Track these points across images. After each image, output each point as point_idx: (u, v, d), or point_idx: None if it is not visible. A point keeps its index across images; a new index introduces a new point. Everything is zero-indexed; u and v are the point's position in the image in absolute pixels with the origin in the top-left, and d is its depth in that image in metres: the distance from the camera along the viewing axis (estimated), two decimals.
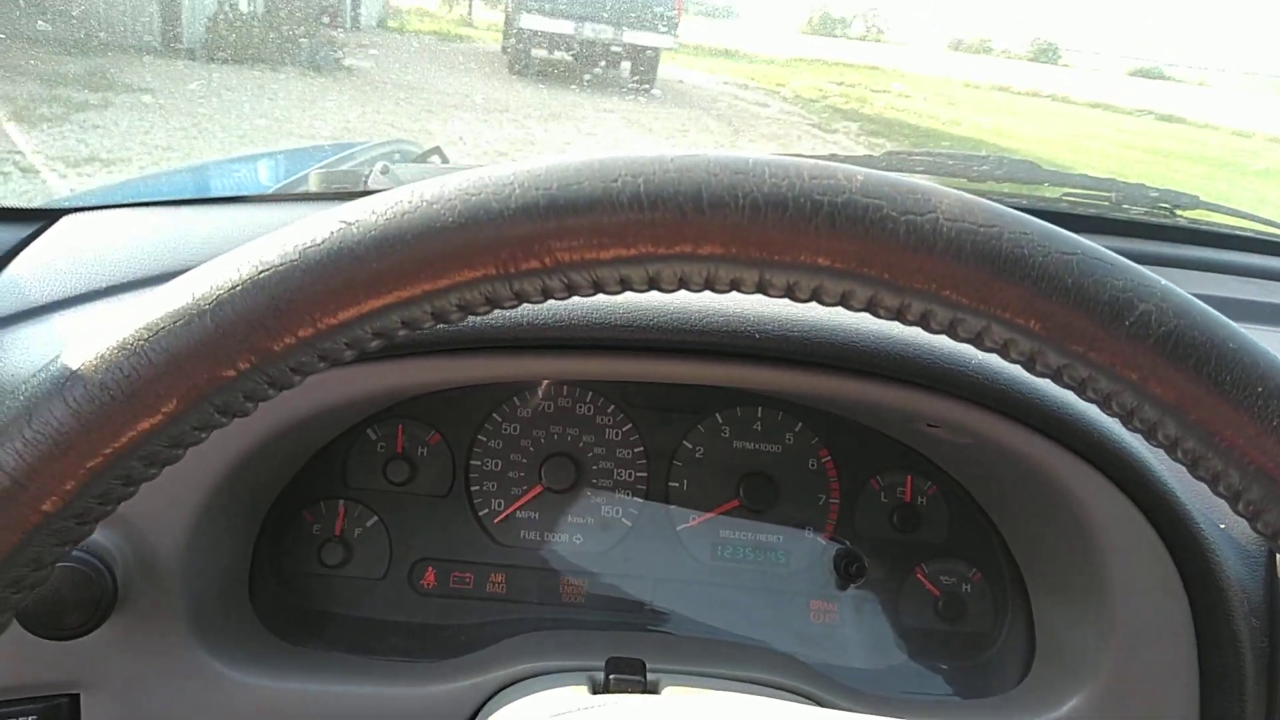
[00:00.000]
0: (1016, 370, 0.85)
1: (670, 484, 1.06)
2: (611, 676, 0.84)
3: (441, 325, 0.43)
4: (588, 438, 1.06)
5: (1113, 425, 0.86)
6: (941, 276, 0.40)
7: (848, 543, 1.06)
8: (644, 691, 0.84)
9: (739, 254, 0.40)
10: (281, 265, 0.40)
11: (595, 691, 0.83)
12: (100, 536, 0.80)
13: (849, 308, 0.41)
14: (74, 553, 0.77)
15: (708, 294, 0.86)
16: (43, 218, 1.07)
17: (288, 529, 1.01)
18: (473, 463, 1.05)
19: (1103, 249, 0.40)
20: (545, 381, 1.05)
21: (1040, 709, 0.89)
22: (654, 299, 0.83)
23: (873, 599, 1.05)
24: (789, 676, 0.89)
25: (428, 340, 0.82)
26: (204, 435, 0.43)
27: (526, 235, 0.40)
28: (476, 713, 0.85)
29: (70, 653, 0.81)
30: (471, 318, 0.43)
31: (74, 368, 0.40)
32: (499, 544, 1.05)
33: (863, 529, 1.06)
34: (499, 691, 0.85)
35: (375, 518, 1.03)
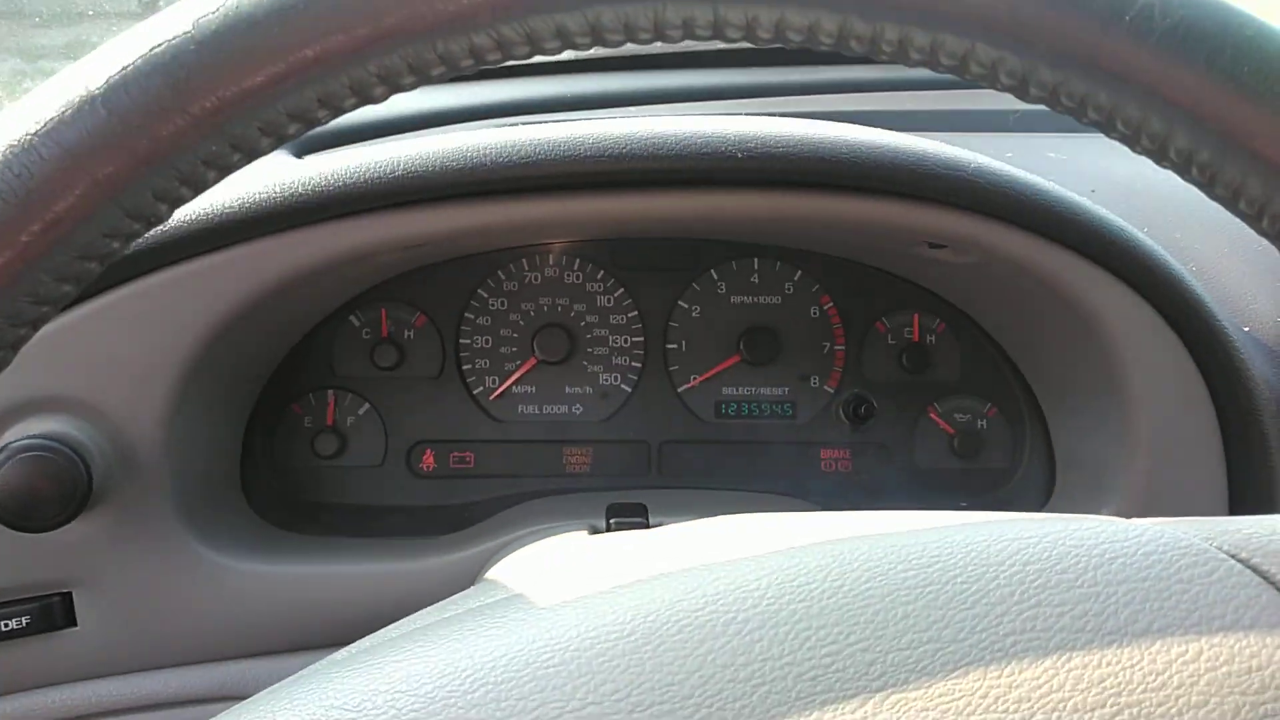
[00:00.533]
0: (1019, 173, 0.80)
1: (668, 346, 1.02)
2: (613, 520, 0.81)
3: (367, 104, 0.38)
4: (579, 306, 1.02)
5: (1129, 227, 0.81)
6: None
7: (856, 390, 1.02)
8: None
9: None
10: (175, 39, 0.36)
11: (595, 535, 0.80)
12: (71, 426, 0.77)
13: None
14: (44, 443, 0.74)
15: (686, 120, 0.81)
16: None
17: (279, 423, 0.99)
18: (462, 341, 1.01)
19: None
20: (531, 249, 1.01)
21: None
22: (626, 128, 0.78)
23: (885, 442, 1.02)
24: None
25: (390, 192, 0.78)
26: (117, 245, 0.39)
27: None
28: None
29: (57, 550, 0.79)
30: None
31: None
32: (496, 420, 1.02)
33: (871, 373, 1.02)
34: (501, 553, 0.83)
35: (367, 405, 1.00)
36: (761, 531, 0.50)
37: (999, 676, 0.35)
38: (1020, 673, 0.35)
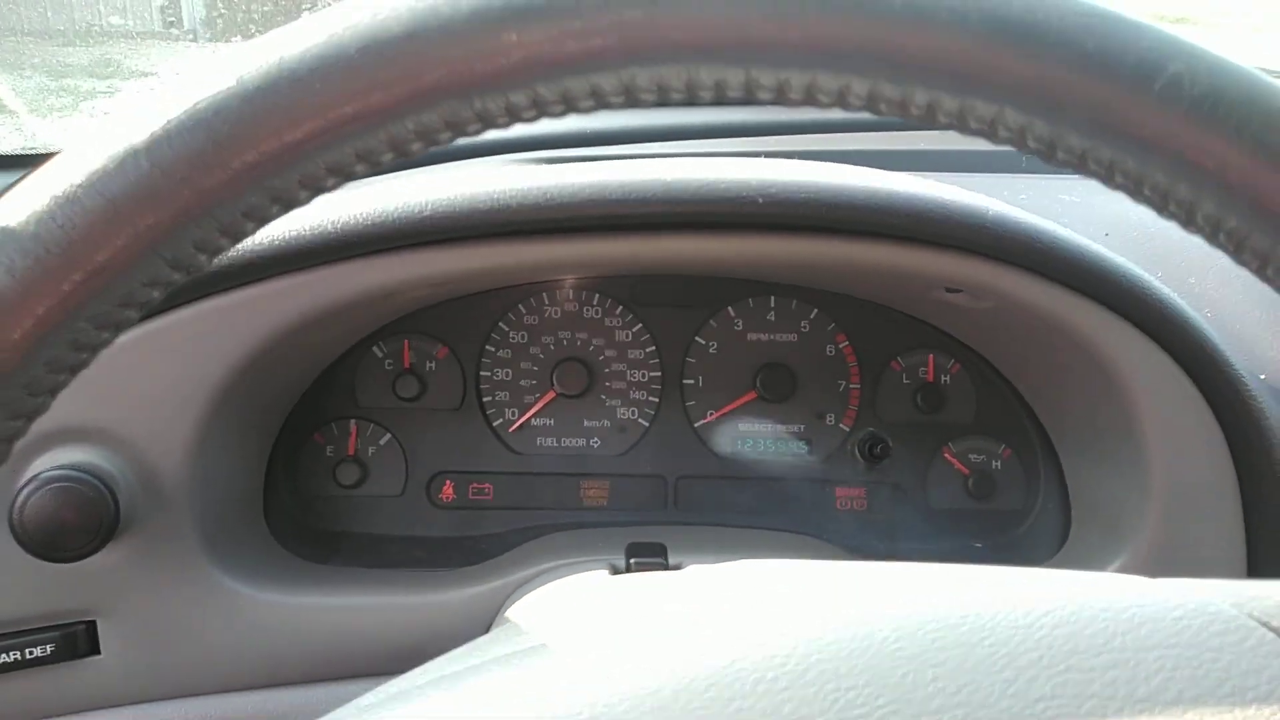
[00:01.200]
0: (1036, 220, 0.81)
1: (685, 381, 1.03)
2: (633, 560, 0.82)
3: (403, 159, 0.40)
4: (598, 340, 1.03)
5: (1144, 274, 0.82)
6: (938, 52, 0.36)
7: (871, 429, 1.02)
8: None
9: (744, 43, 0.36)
10: (217, 94, 0.37)
11: (615, 575, 0.81)
12: (98, 457, 0.78)
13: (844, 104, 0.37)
14: (72, 473, 0.75)
15: (710, 163, 0.83)
16: None
17: (300, 452, 1.00)
18: (483, 373, 1.02)
19: (1117, 10, 0.36)
20: (551, 284, 1.02)
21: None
22: (649, 172, 0.80)
23: (900, 482, 1.02)
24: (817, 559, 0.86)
25: (417, 232, 0.79)
26: (156, 294, 0.40)
27: (480, 37, 0.37)
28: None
29: (81, 578, 0.79)
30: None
31: (1, 224, 0.37)
32: (515, 453, 1.02)
33: (886, 413, 1.03)
34: (520, 590, 0.83)
35: (388, 435, 1.01)
36: (787, 582, 0.51)
37: None
38: None
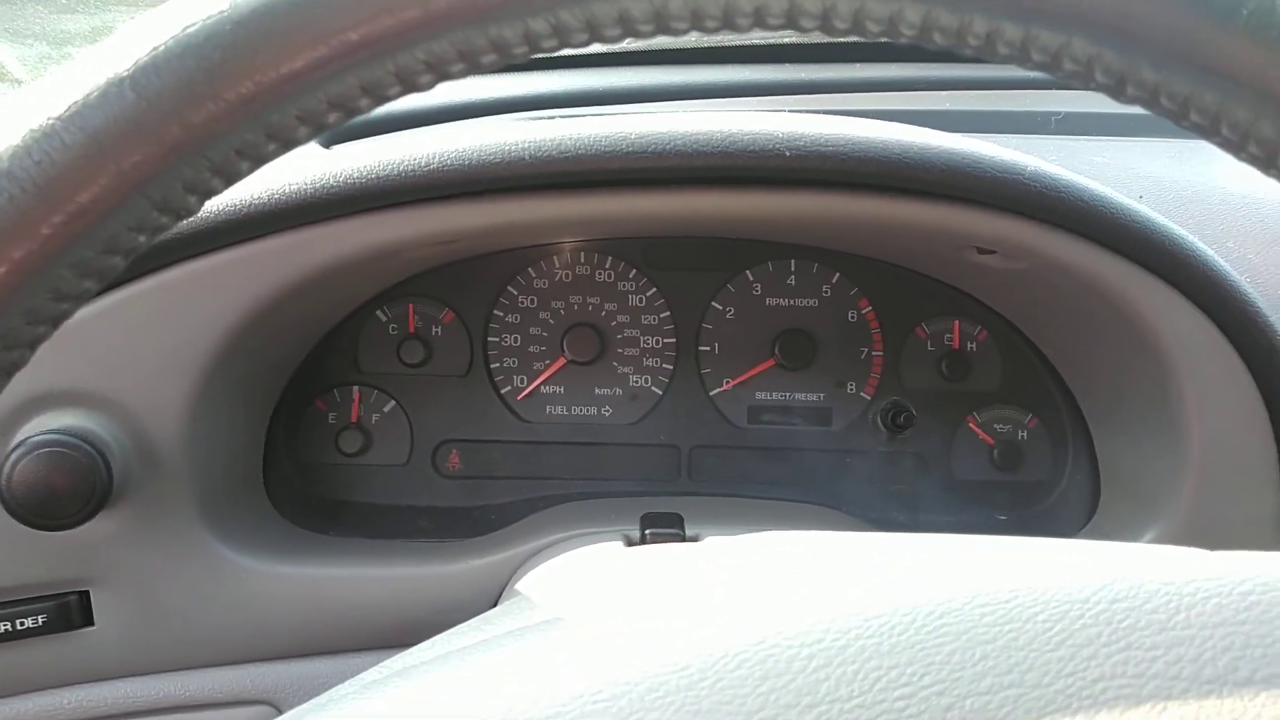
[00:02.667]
0: (1077, 178, 0.77)
1: (700, 348, 1.00)
2: (648, 531, 0.79)
3: (411, 93, 0.36)
4: (610, 305, 0.99)
5: (1188, 236, 0.78)
6: None
7: (894, 397, 0.99)
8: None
9: None
10: (209, 19, 0.33)
11: (631, 546, 0.78)
12: (90, 421, 0.75)
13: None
14: (63, 438, 0.72)
15: (733, 116, 0.79)
16: None
17: (301, 419, 0.97)
18: (490, 339, 0.99)
19: None
20: (562, 246, 0.98)
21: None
22: (669, 124, 0.76)
23: (923, 452, 0.99)
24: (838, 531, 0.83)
25: (424, 186, 0.75)
26: (143, 240, 0.36)
27: None
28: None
29: (74, 547, 0.77)
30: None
31: None
32: (524, 421, 0.99)
33: (909, 381, 0.99)
34: (530, 561, 0.80)
35: (392, 402, 0.98)
36: (816, 554, 0.48)
37: None
38: None
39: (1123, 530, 0.86)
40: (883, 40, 0.36)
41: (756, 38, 1.46)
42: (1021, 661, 0.34)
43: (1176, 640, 0.34)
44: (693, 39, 1.37)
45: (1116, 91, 0.35)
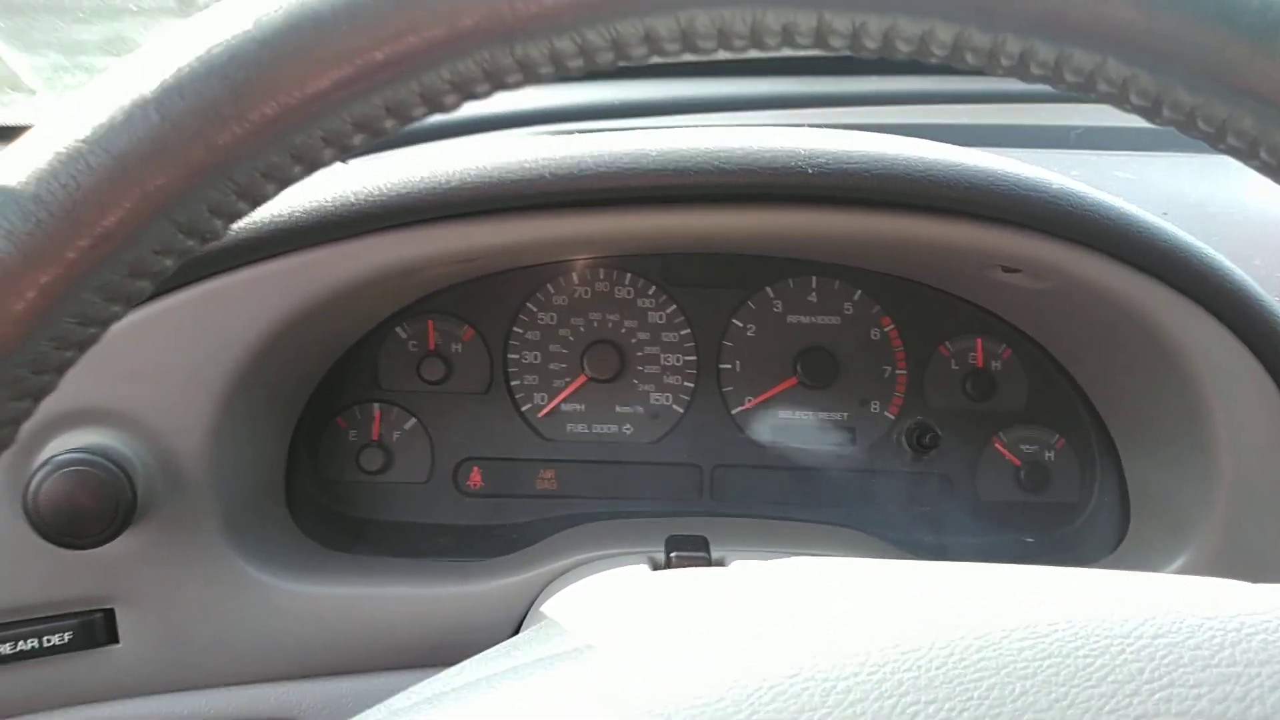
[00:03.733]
0: (1103, 196, 0.76)
1: (722, 366, 0.99)
2: (673, 554, 0.78)
3: (437, 114, 0.36)
4: (630, 322, 0.99)
5: (1218, 255, 0.77)
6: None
7: (919, 417, 0.98)
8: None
9: None
10: (234, 39, 0.33)
11: (656, 570, 0.77)
12: (114, 440, 0.75)
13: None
14: (88, 457, 0.72)
15: (755, 132, 0.78)
16: None
17: (323, 436, 0.97)
18: (510, 356, 0.99)
19: None
20: (581, 263, 0.98)
21: (1145, 570, 0.82)
22: (690, 141, 0.75)
23: (948, 473, 0.98)
24: (862, 554, 0.83)
25: (444, 204, 0.75)
26: (169, 263, 0.36)
27: None
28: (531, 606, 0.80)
29: (99, 566, 0.77)
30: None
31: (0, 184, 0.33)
32: (545, 439, 0.99)
33: (933, 400, 0.98)
34: (553, 583, 0.80)
35: (413, 419, 0.98)
36: (845, 583, 0.47)
37: None
38: None
39: (1153, 553, 0.84)
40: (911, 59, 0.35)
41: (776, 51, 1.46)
42: (1062, 698, 0.34)
43: (1222, 677, 0.34)
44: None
45: (1152, 113, 0.35)
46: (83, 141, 0.33)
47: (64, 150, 0.33)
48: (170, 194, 0.34)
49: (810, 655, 0.36)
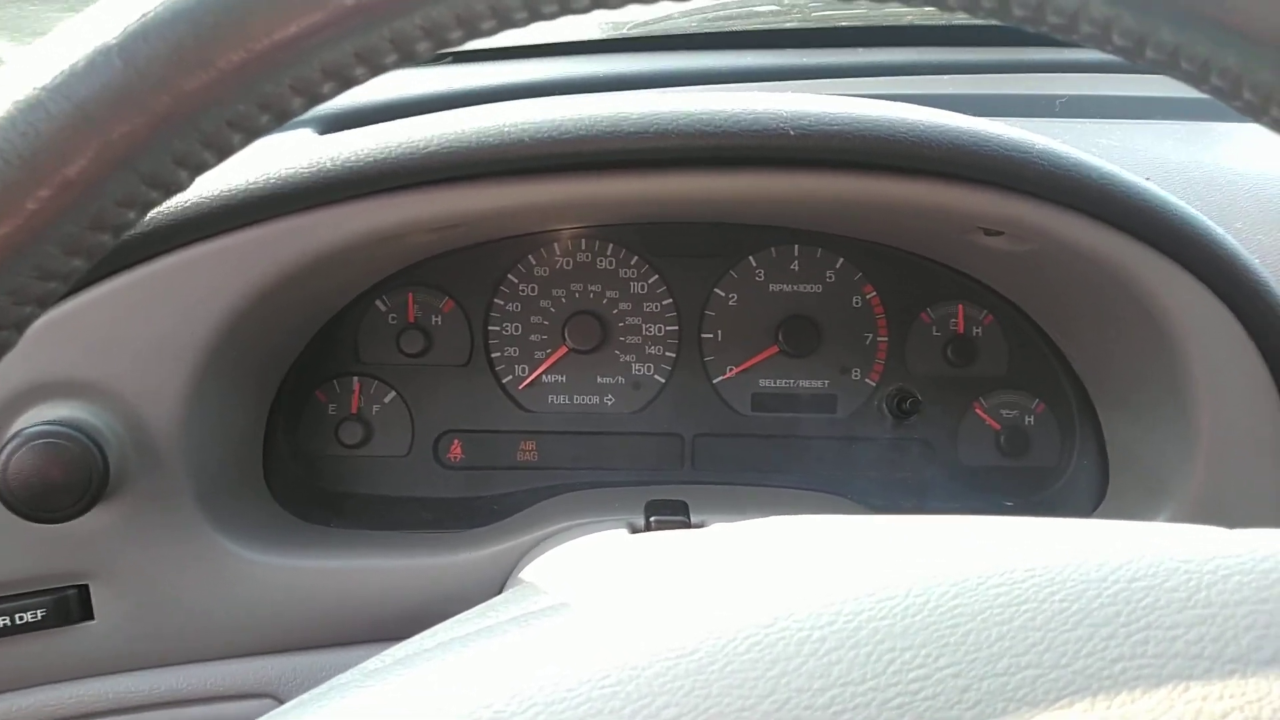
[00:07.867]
0: (1087, 157, 0.76)
1: (703, 335, 0.99)
2: (653, 519, 0.78)
3: (409, 63, 0.35)
4: (611, 293, 0.98)
5: (1202, 217, 0.77)
6: None
7: (899, 384, 0.98)
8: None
9: None
10: None
11: (635, 534, 0.77)
12: (86, 412, 0.74)
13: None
14: (58, 429, 0.71)
15: (733, 96, 0.77)
16: None
17: (302, 410, 0.96)
18: (491, 328, 0.98)
19: None
20: (563, 233, 0.97)
21: None
22: (672, 104, 0.74)
23: (929, 439, 0.98)
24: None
25: (420, 169, 0.74)
26: (132, 216, 0.35)
27: None
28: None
29: (72, 540, 0.76)
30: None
31: None
32: (526, 410, 0.98)
33: (915, 366, 0.98)
34: (533, 551, 0.79)
35: (393, 392, 0.97)
36: (821, 538, 0.47)
37: (1108, 708, 0.31)
38: (1132, 703, 0.31)
39: (1131, 515, 0.85)
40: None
41: (758, 23, 1.45)
42: (1039, 642, 0.33)
43: (1198, 619, 0.33)
44: (695, 23, 1.36)
45: (1134, 54, 0.34)
46: (42, 89, 0.32)
47: (23, 97, 0.32)
48: (134, 143, 0.33)
49: (785, 606, 0.35)
